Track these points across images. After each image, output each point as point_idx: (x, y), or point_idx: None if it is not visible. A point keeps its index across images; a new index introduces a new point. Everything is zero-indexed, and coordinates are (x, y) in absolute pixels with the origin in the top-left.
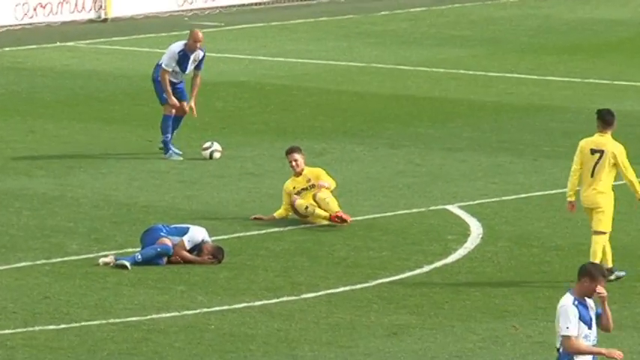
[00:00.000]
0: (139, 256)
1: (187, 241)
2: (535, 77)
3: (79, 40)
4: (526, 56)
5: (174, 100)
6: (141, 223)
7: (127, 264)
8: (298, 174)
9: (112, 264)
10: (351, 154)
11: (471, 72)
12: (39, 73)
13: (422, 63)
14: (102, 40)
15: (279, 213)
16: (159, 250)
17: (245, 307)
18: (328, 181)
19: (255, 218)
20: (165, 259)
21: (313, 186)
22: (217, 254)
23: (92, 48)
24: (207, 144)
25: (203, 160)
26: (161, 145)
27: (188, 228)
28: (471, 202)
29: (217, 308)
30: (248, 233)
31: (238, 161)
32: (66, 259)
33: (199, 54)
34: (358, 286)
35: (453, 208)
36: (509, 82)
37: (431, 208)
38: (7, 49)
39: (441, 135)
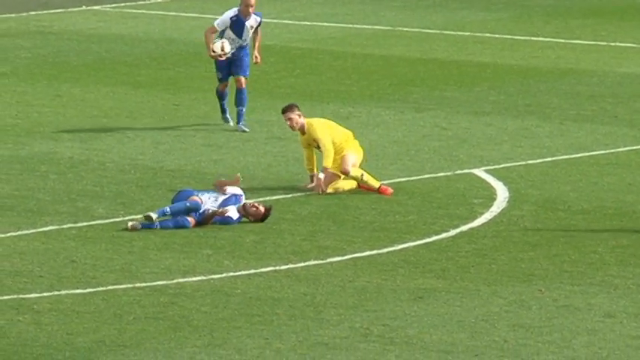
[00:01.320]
0: (168, 209)
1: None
2: (561, 41)
3: (106, 4)
4: (552, 19)
5: (213, 49)
6: (167, 187)
7: (153, 215)
8: (301, 132)
9: (139, 225)
10: (377, 118)
11: (497, 35)
12: (65, 37)
13: (448, 26)
14: (128, 3)
15: (312, 168)
16: (188, 205)
17: (271, 270)
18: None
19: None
20: (192, 222)
21: (319, 147)
22: (265, 216)
23: (118, 12)
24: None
25: (229, 125)
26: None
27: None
28: (497, 166)
29: (244, 272)
30: (274, 197)
31: (264, 125)
32: (92, 223)
33: (255, 19)
34: (384, 250)
35: (479, 172)
36: (535, 46)
37: (457, 172)
38: (33, 13)
39: (467, 98)
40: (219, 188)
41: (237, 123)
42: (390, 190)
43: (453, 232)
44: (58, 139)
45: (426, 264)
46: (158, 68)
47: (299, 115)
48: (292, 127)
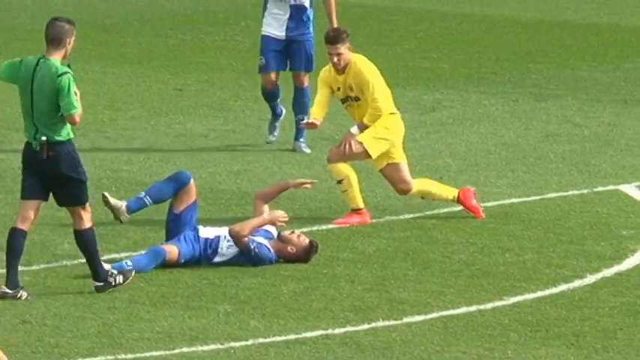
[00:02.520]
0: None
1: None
2: None
3: None
4: None
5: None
6: (163, 211)
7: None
8: (339, 71)
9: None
10: (478, 110)
11: None
12: None
13: None
14: None
15: (316, 113)
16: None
17: (321, 336)
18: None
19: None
20: (173, 252)
21: (357, 99)
22: (309, 251)
23: None
24: None
25: (255, 121)
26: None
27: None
28: None
29: (279, 338)
30: (324, 227)
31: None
32: (54, 264)
33: None
34: (488, 306)
35: (630, 190)
36: None
37: (597, 189)
38: None
39: (612, 80)
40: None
41: (295, 140)
42: (481, 210)
43: (590, 279)
44: (4, 141)
45: (551, 326)
46: (152, 35)
47: (349, 49)
48: (337, 65)
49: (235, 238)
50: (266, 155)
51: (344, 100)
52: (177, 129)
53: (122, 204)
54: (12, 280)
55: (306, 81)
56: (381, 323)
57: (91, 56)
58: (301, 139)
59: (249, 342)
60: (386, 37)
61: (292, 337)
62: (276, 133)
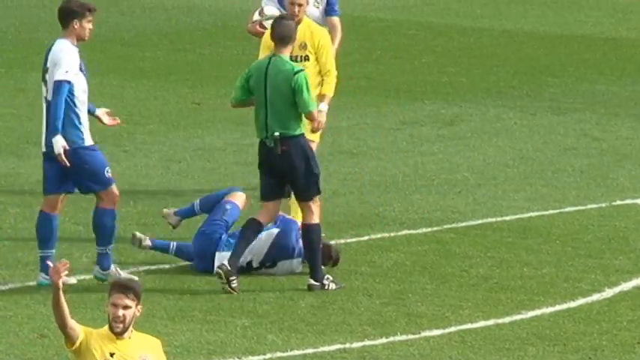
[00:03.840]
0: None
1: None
2: None
3: None
4: None
5: (251, 18)
6: (183, 226)
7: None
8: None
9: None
10: (496, 124)
11: None
12: (32, 4)
13: None
14: None
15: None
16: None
17: (339, 350)
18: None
19: None
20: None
21: (307, 58)
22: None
23: None
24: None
25: None
26: None
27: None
28: None
29: (297, 352)
30: (342, 241)
31: (329, 133)
32: (73, 278)
33: None
34: (506, 320)
35: None
36: None
37: (615, 202)
38: None
39: (630, 95)
40: None
41: None
42: None
43: (609, 293)
44: (22, 155)
45: (569, 340)
46: (171, 49)
47: (307, 3)
48: (296, 16)
49: None
50: None
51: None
52: (195, 143)
53: (170, 211)
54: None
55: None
56: (399, 337)
57: (109, 70)
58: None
59: (267, 356)
60: (404, 52)
61: (310, 351)
62: None
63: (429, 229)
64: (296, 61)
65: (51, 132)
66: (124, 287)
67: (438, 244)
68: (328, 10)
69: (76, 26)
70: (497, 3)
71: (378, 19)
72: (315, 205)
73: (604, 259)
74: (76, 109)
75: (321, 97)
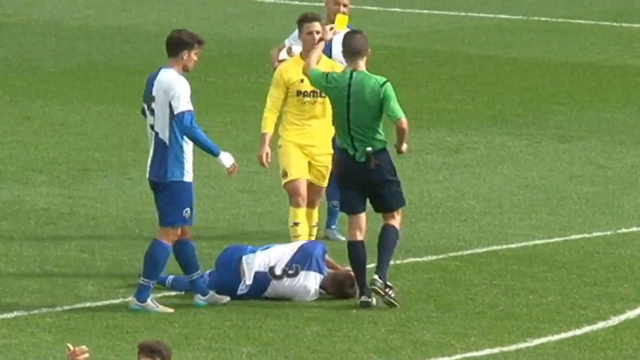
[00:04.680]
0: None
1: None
2: None
3: None
4: None
5: (278, 58)
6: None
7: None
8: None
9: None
10: (501, 151)
11: None
12: (37, 31)
13: (607, 15)
14: None
15: (268, 121)
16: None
17: None
18: None
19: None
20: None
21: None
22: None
23: None
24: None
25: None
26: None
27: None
28: None
29: None
30: (349, 267)
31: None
32: (77, 306)
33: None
34: (512, 348)
35: None
36: None
37: (620, 230)
38: None
39: (635, 122)
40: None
41: (327, 227)
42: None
43: (614, 321)
44: (28, 183)
45: None
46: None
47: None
48: (313, 42)
49: None
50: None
51: (304, 94)
52: (201, 170)
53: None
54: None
55: None
56: None
57: (114, 98)
58: (333, 226)
59: None
60: (410, 79)
61: None
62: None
63: (435, 257)
64: (314, 97)
65: (212, 154)
66: (151, 350)
67: (443, 271)
68: None
69: (184, 57)
70: (502, 30)
71: (383, 47)
72: (399, 214)
73: (609, 287)
74: (182, 142)
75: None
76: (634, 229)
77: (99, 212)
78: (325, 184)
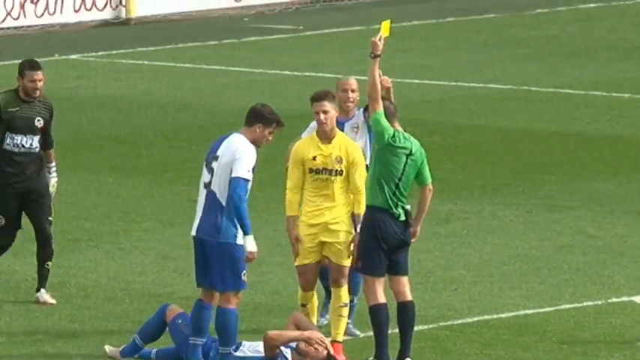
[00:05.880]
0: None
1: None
2: None
3: (89, 52)
4: None
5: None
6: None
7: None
8: (327, 137)
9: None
10: (492, 221)
11: None
12: None
13: (597, 85)
14: (122, 51)
15: (292, 203)
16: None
17: None
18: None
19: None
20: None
21: (341, 173)
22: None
23: (108, 63)
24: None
25: (270, 232)
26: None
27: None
28: None
29: None
30: (348, 337)
31: None
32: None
33: (359, 118)
34: None
35: None
36: None
37: (611, 300)
38: None
39: (626, 192)
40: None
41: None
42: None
43: None
44: (17, 253)
45: None
46: (167, 147)
47: (335, 110)
48: (323, 124)
49: (268, 344)
50: (280, 267)
51: (317, 171)
52: (191, 241)
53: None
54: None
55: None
56: None
57: (104, 167)
58: (349, 321)
59: None
60: None
61: None
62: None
63: (425, 327)
64: (331, 174)
65: (244, 231)
66: None
67: (434, 341)
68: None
69: (257, 130)
70: (492, 100)
71: None
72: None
73: (600, 357)
74: None
75: (356, 217)
76: (624, 298)
77: (89, 282)
78: (347, 263)
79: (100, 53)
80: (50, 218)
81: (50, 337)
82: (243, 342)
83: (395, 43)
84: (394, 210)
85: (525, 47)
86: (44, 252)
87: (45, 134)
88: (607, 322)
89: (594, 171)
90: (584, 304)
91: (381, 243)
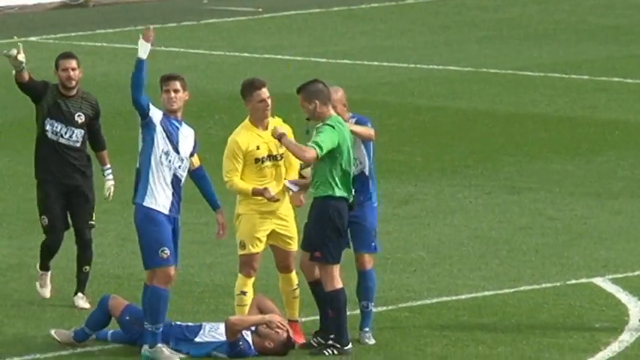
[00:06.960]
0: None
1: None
2: None
3: (47, 34)
4: None
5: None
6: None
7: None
8: (263, 125)
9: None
10: (451, 203)
11: (629, 80)
12: None
13: (556, 67)
14: (82, 33)
15: (243, 181)
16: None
17: None
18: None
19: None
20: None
21: (282, 156)
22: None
23: (67, 45)
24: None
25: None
26: None
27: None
28: (630, 274)
29: None
30: (298, 319)
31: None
32: (26, 357)
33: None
34: None
35: (603, 283)
36: None
37: (570, 281)
38: None
39: (585, 174)
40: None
41: (361, 329)
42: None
43: None
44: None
45: None
46: (125, 128)
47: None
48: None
49: (231, 329)
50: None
51: (262, 160)
52: None
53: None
54: None
55: (369, 263)
56: None
57: None
58: (366, 329)
59: None
60: None
61: None
62: None
63: (384, 308)
64: (277, 160)
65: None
66: None
67: (393, 322)
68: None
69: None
70: (451, 82)
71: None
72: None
73: (559, 338)
74: None
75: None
76: (583, 280)
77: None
78: (294, 247)
79: (59, 35)
80: (92, 222)
81: (9, 318)
82: (203, 324)
83: (354, 25)
84: (350, 197)
85: (485, 29)
86: (84, 255)
87: (93, 133)
88: (566, 303)
89: (553, 152)
90: (543, 285)
91: (340, 229)
